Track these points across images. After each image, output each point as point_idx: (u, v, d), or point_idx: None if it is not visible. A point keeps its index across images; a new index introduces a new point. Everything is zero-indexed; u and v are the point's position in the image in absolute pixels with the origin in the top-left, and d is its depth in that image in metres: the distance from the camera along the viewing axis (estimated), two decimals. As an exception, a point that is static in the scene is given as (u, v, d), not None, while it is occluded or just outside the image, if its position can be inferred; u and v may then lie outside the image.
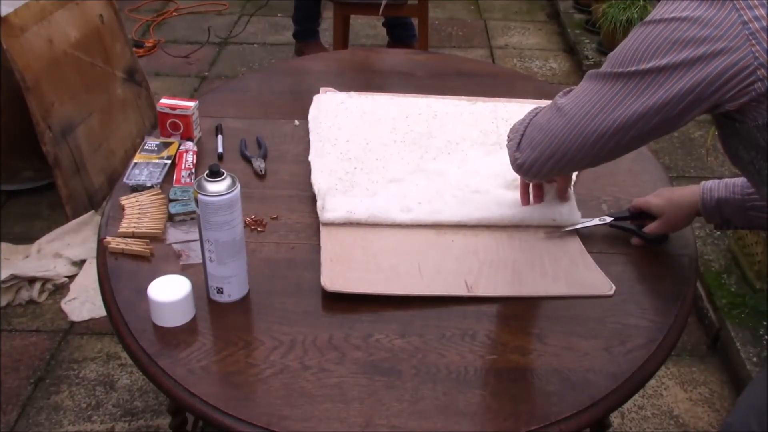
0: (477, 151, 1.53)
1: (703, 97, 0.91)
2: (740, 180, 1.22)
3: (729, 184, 1.25)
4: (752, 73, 0.85)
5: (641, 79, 0.95)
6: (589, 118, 1.02)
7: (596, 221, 1.33)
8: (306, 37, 3.70)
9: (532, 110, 1.20)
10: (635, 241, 1.32)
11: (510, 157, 1.21)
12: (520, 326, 1.15)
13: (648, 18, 0.95)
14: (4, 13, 2.27)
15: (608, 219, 1.33)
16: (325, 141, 1.54)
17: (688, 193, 1.28)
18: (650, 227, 1.29)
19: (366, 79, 1.92)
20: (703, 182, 1.27)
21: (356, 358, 1.08)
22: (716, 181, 1.28)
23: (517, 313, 1.18)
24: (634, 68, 0.95)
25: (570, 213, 1.34)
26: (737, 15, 0.85)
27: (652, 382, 1.15)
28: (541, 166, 1.14)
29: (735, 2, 0.85)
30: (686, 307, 1.20)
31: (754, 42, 0.84)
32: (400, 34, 3.67)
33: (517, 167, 1.20)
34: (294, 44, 3.81)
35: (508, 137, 1.23)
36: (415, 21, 3.50)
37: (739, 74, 0.86)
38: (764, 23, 0.84)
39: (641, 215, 1.31)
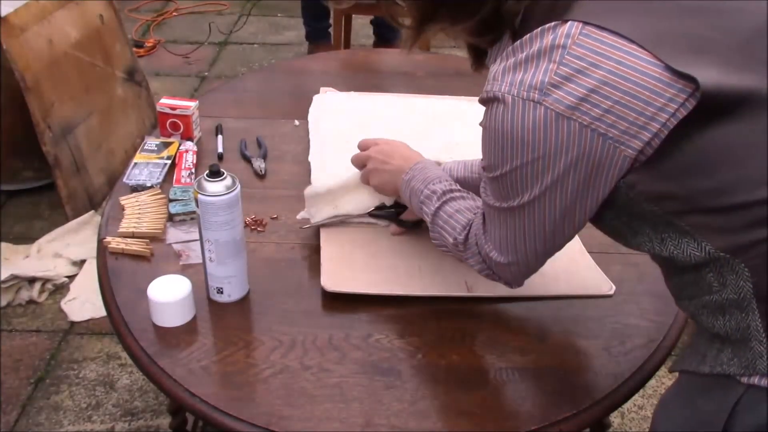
0: (477, 151, 1.52)
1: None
2: (479, 160, 1.16)
3: (468, 164, 1.25)
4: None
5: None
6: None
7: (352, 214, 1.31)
8: (317, 37, 3.68)
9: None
10: (392, 229, 1.31)
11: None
12: (520, 326, 1.15)
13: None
14: (4, 13, 2.27)
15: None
16: (325, 141, 1.54)
17: None
18: (404, 214, 1.30)
19: (366, 79, 1.92)
20: (445, 163, 1.26)
21: (356, 358, 1.08)
22: (458, 161, 1.27)
23: (517, 313, 1.18)
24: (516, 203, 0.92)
25: None
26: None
27: (652, 382, 1.15)
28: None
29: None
30: (686, 307, 1.20)
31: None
32: (386, 34, 3.68)
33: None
34: (297, 45, 3.81)
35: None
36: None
37: None
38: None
39: (400, 204, 1.30)
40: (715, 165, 0.80)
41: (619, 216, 0.90)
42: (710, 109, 0.78)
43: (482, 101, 0.90)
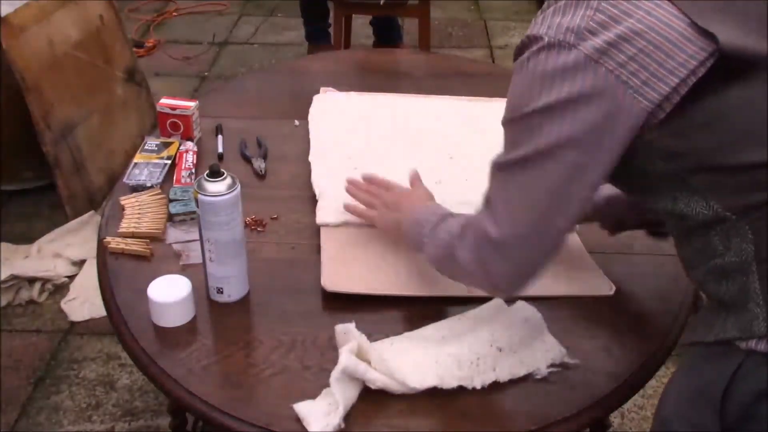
0: (476, 151, 1.52)
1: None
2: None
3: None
4: None
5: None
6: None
7: None
8: (317, 37, 3.66)
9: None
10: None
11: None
12: (520, 326, 1.15)
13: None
14: (4, 13, 2.27)
15: None
16: (325, 141, 1.54)
17: None
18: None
19: (366, 79, 1.92)
20: None
21: (356, 358, 1.08)
22: None
23: (517, 313, 1.17)
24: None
25: None
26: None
27: (652, 382, 1.14)
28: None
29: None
30: (686, 307, 1.20)
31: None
32: (386, 35, 3.67)
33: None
34: (297, 45, 3.80)
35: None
36: (415, 21, 3.50)
37: None
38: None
39: None
40: (726, 125, 0.84)
41: (634, 173, 0.92)
42: (727, 69, 0.82)
43: (520, 46, 0.92)
